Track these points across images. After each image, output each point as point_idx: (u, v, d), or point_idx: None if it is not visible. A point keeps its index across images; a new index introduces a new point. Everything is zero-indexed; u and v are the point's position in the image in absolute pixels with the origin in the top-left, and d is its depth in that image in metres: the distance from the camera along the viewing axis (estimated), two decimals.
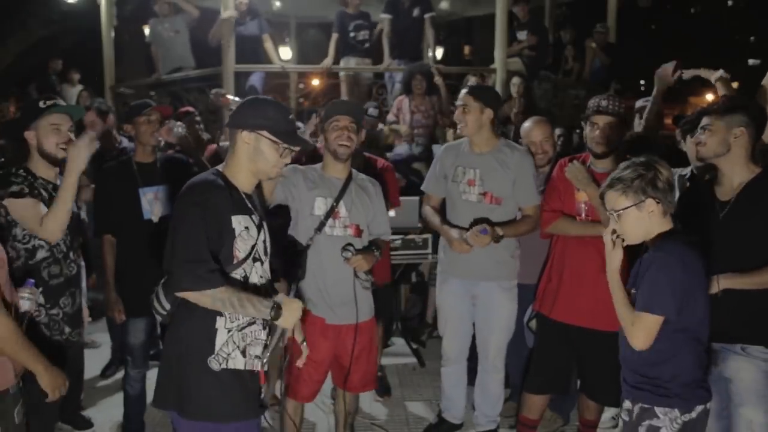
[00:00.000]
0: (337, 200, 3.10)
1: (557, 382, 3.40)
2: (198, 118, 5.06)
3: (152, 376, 4.13)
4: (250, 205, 2.34)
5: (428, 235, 4.80)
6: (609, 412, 3.76)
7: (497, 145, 3.49)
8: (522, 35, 7.57)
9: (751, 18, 18.82)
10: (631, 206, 2.31)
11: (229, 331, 2.27)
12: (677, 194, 3.18)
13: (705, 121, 2.75)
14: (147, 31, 7.72)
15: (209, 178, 2.27)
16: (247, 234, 2.28)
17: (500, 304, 3.53)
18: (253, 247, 2.31)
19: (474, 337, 3.70)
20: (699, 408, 2.34)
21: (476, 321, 3.62)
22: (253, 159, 2.29)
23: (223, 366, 2.26)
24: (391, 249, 4.41)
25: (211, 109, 6.12)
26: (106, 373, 4.62)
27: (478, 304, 3.57)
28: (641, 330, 2.30)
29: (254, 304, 2.22)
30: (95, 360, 4.51)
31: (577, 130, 6.07)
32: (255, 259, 2.33)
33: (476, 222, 3.39)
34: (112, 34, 8.19)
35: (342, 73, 7.39)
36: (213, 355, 2.25)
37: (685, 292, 2.28)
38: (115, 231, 3.48)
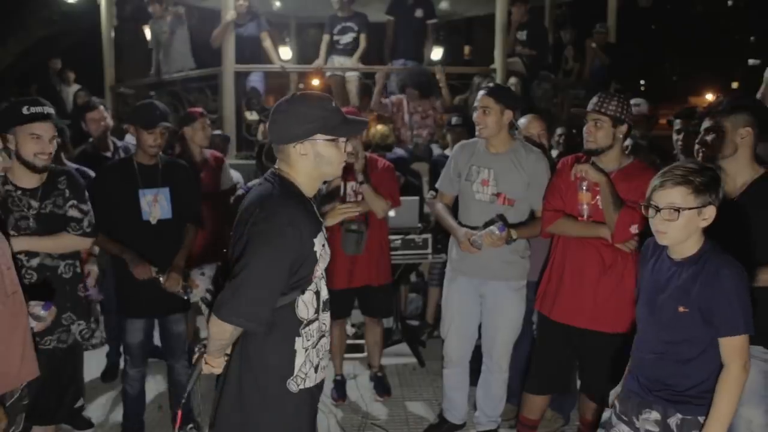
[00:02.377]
0: None
1: (557, 383, 3.40)
2: (209, 121, 5.03)
3: (151, 376, 4.19)
4: (319, 217, 2.20)
5: (428, 235, 4.80)
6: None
7: (513, 146, 3.47)
8: (522, 35, 7.56)
9: (751, 18, 18.83)
10: (696, 208, 2.19)
11: (306, 351, 2.17)
12: None
13: (710, 122, 2.70)
14: (147, 31, 7.71)
15: (291, 199, 2.08)
16: (324, 252, 2.16)
17: (509, 305, 3.51)
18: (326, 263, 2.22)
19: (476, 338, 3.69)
20: None
21: (483, 320, 3.60)
22: (316, 166, 2.12)
23: (301, 387, 2.17)
24: (391, 249, 4.41)
25: None
26: (104, 378, 4.60)
27: (486, 303, 3.56)
28: (743, 353, 2.16)
29: (211, 346, 2.15)
30: (96, 360, 4.50)
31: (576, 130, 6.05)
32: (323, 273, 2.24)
33: (490, 222, 3.35)
34: (112, 34, 8.18)
35: (327, 74, 7.30)
36: (292, 377, 2.15)
37: None
38: (111, 231, 3.43)
